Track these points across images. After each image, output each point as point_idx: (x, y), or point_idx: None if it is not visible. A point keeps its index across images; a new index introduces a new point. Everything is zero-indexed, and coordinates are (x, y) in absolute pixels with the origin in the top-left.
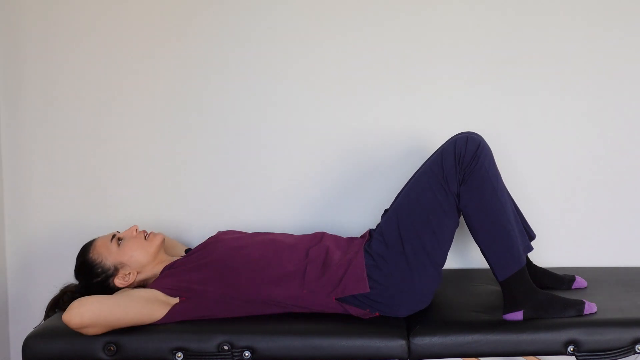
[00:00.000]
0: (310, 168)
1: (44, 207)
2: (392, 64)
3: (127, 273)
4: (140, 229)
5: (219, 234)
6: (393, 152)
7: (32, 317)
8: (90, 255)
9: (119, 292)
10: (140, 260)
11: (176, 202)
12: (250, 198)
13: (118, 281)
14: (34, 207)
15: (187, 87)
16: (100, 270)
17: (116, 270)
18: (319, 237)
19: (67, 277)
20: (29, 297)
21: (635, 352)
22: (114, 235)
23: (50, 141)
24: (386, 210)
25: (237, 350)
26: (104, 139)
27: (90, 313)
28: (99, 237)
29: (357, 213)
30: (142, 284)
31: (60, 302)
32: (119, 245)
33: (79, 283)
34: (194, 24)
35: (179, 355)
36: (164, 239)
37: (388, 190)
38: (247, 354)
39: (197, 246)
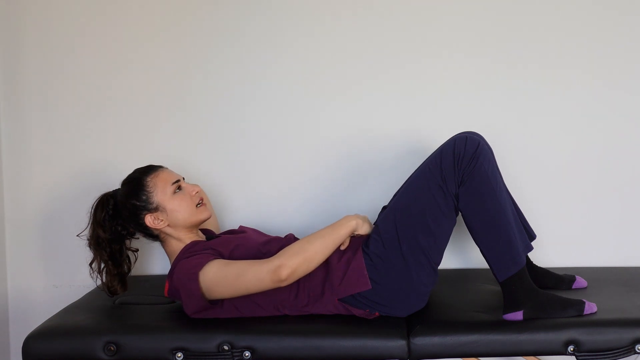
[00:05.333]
0: (310, 167)
1: (44, 206)
2: (392, 64)
3: (161, 219)
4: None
5: (244, 231)
6: (393, 152)
7: (32, 317)
8: (148, 179)
9: (235, 262)
10: (179, 220)
11: None
12: (250, 197)
13: (148, 219)
14: (34, 207)
15: (187, 88)
16: (145, 197)
17: (155, 209)
18: None
19: (67, 277)
20: (29, 297)
21: (635, 352)
22: (178, 180)
23: (50, 141)
24: (384, 207)
25: (237, 350)
26: (103, 140)
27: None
28: (166, 169)
29: (356, 212)
30: (162, 236)
31: (106, 203)
32: (175, 192)
33: (121, 190)
34: (193, 29)
35: (179, 355)
36: (210, 218)
37: (388, 190)
38: (247, 354)
39: (223, 238)
